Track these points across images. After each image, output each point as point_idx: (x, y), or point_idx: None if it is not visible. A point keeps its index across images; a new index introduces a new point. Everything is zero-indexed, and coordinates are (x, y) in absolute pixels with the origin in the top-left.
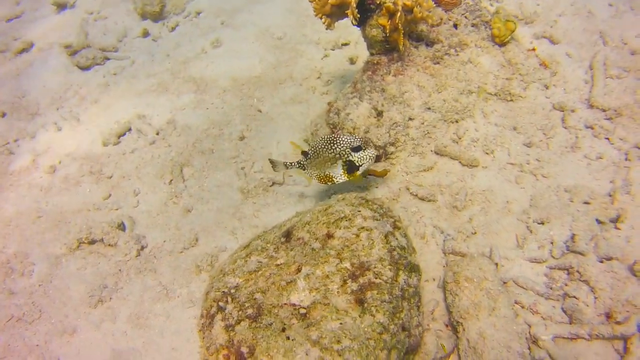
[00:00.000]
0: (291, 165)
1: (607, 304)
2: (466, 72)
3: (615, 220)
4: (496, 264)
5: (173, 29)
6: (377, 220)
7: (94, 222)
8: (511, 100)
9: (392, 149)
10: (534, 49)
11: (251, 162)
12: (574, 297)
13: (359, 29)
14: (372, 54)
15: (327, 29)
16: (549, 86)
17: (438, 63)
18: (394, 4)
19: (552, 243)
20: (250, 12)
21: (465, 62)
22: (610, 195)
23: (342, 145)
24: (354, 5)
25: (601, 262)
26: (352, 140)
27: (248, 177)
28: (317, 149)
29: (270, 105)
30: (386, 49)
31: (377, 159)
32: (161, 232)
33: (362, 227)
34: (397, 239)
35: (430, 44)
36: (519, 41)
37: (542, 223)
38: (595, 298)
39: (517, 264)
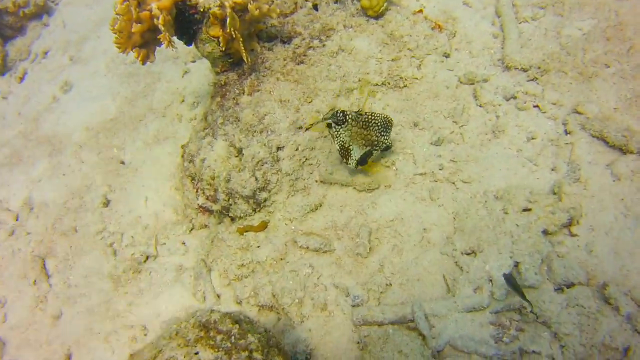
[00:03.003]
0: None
1: (579, 353)
2: (339, 65)
3: (568, 225)
4: (423, 336)
5: (21, 78)
6: None
7: None
8: (405, 86)
9: (264, 194)
10: (420, 11)
11: (120, 233)
12: (533, 351)
13: (192, 47)
14: (217, 73)
15: (143, 63)
16: (449, 54)
17: (302, 62)
18: (221, 6)
19: (490, 281)
20: (97, 37)
21: (336, 52)
22: (554, 193)
23: (387, 138)
24: (164, 28)
25: (560, 290)
26: (390, 138)
27: (118, 255)
28: (376, 121)
29: (132, 151)
30: (232, 63)
31: (388, 148)
32: (34, 351)
33: None
34: None
35: (287, 39)
36: (401, 4)
37: (473, 253)
38: (562, 347)
39: (452, 319)
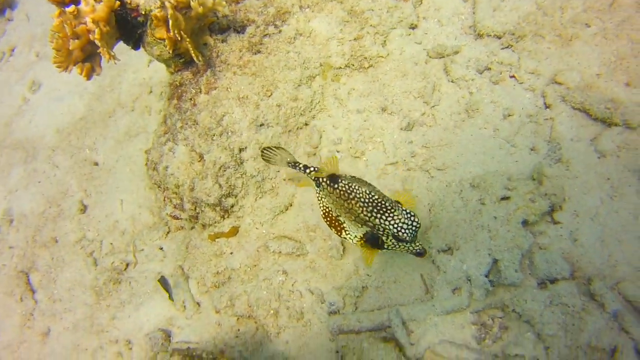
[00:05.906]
0: (311, 170)
1: (564, 356)
2: (298, 51)
3: (550, 212)
4: (400, 348)
5: None
6: None
7: None
8: (370, 66)
9: (231, 200)
10: None
11: (99, 241)
12: (516, 355)
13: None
14: (171, 73)
15: (88, 78)
16: (416, 25)
17: (259, 52)
18: (162, 7)
19: (469, 281)
20: None
21: (293, 37)
22: (533, 178)
23: (391, 222)
24: (101, 42)
25: (543, 285)
26: (407, 226)
27: (98, 265)
28: (359, 196)
29: (105, 150)
30: (185, 62)
31: (419, 255)
32: None
33: None
34: None
35: (240, 29)
36: None
37: (450, 250)
38: (546, 348)
39: (431, 323)
